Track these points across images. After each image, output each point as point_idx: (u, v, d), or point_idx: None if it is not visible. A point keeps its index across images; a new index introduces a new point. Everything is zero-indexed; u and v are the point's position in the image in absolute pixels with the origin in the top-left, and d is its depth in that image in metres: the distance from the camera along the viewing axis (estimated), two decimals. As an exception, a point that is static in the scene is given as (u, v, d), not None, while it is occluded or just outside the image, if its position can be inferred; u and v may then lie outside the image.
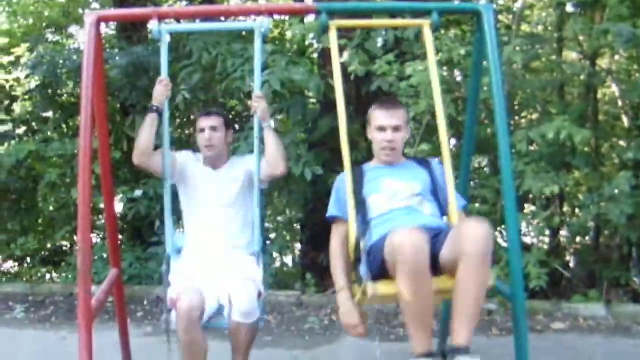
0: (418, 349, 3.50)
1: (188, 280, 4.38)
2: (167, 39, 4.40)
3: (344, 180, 4.14)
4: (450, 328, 3.58)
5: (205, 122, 4.75)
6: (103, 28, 4.75)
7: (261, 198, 4.65)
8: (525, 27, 9.23)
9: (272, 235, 10.01)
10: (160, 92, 4.49)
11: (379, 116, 4.29)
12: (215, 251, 4.67)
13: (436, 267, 3.69)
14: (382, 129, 4.26)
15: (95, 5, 11.54)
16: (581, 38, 8.45)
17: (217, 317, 4.42)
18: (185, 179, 4.80)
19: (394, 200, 4.16)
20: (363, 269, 3.80)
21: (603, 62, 9.30)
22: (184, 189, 4.85)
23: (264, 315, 4.53)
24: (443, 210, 4.28)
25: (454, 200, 4.19)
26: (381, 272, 3.72)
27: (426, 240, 3.49)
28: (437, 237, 3.82)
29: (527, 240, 8.46)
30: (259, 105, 4.50)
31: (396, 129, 4.26)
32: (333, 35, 4.28)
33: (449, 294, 3.65)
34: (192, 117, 9.57)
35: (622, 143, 8.94)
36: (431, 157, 4.89)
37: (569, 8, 8.67)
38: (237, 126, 8.69)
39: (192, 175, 4.80)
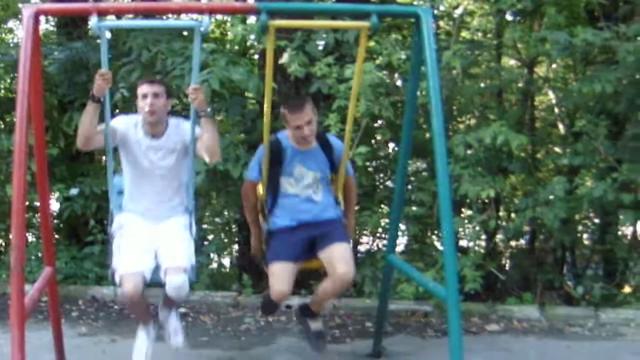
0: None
1: (129, 255, 4.71)
2: (107, 35, 4.37)
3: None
4: (311, 303, 5.26)
5: (148, 89, 4.83)
6: (43, 24, 4.69)
7: (194, 164, 5.14)
8: (465, 33, 9.34)
9: (210, 237, 9.95)
10: (101, 85, 4.49)
11: (292, 119, 4.91)
12: (152, 214, 5.01)
13: (312, 250, 5.01)
14: (298, 127, 4.91)
15: (35, -1, 11.35)
16: (519, 45, 8.60)
17: (155, 272, 4.77)
18: (127, 146, 4.94)
19: (299, 185, 5.10)
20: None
21: (540, 70, 9.48)
22: (124, 153, 5.00)
23: (193, 279, 4.90)
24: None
25: (344, 172, 5.16)
26: None
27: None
28: (325, 230, 5.02)
29: (464, 243, 8.56)
30: (196, 95, 4.60)
31: (308, 122, 4.90)
32: (271, 35, 4.29)
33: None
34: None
35: (557, 149, 9.12)
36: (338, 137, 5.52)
37: (508, 16, 8.80)
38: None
39: (133, 143, 4.92)
